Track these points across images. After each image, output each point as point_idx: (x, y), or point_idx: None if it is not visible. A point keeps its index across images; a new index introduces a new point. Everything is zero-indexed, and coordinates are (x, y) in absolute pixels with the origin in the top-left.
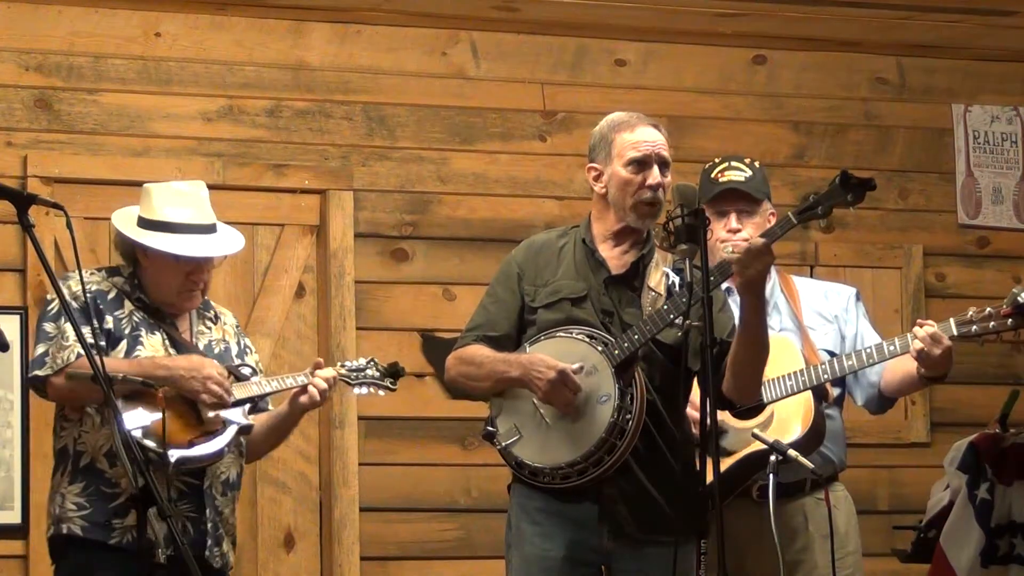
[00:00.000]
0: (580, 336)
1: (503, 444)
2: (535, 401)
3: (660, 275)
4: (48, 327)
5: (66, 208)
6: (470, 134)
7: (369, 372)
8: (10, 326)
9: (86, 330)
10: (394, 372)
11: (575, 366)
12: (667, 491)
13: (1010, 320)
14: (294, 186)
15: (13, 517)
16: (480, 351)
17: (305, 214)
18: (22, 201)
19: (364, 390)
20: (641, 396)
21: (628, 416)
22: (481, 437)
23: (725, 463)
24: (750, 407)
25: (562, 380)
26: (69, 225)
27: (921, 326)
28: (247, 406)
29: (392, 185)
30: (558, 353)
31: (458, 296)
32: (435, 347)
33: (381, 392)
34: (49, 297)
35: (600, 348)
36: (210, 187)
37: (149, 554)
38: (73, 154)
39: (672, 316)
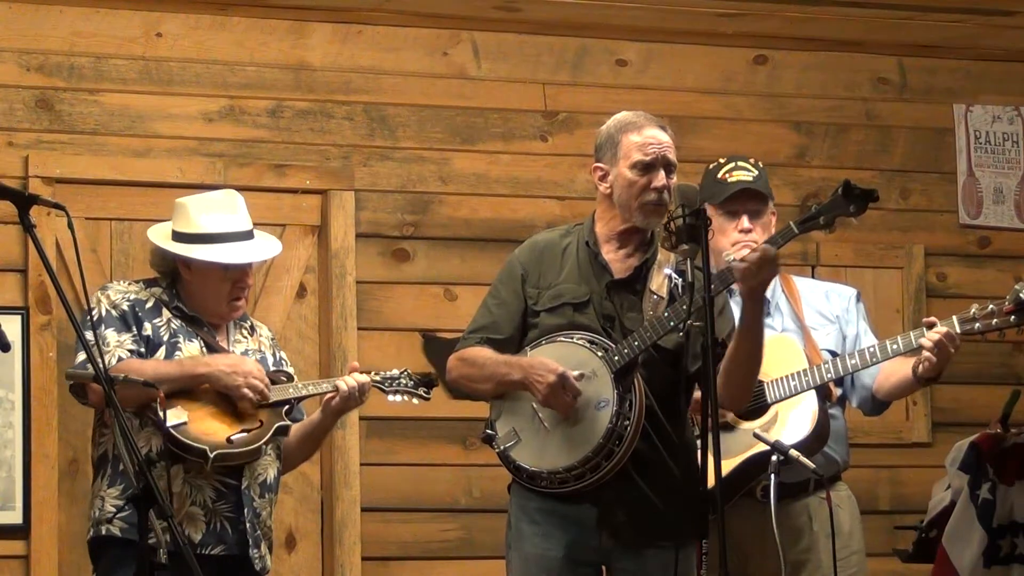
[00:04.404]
0: (581, 341)
1: (502, 447)
2: (534, 405)
3: (663, 278)
4: (89, 335)
5: (67, 208)
6: (471, 134)
7: (403, 381)
8: (11, 326)
9: (125, 336)
10: (428, 381)
11: (576, 373)
12: (667, 497)
13: (1012, 316)
14: (295, 186)
15: (15, 517)
16: (482, 353)
17: (306, 214)
18: (23, 201)
19: (398, 398)
20: (640, 402)
21: (626, 422)
22: (480, 440)
23: (729, 465)
24: (754, 408)
25: (562, 384)
26: (70, 225)
27: (930, 326)
28: (284, 408)
29: (393, 185)
30: (558, 357)
31: (459, 296)
32: (436, 347)
33: (415, 401)
34: (89, 306)
35: (600, 354)
36: (211, 188)
37: (151, 554)
38: (74, 154)
39: (672, 323)
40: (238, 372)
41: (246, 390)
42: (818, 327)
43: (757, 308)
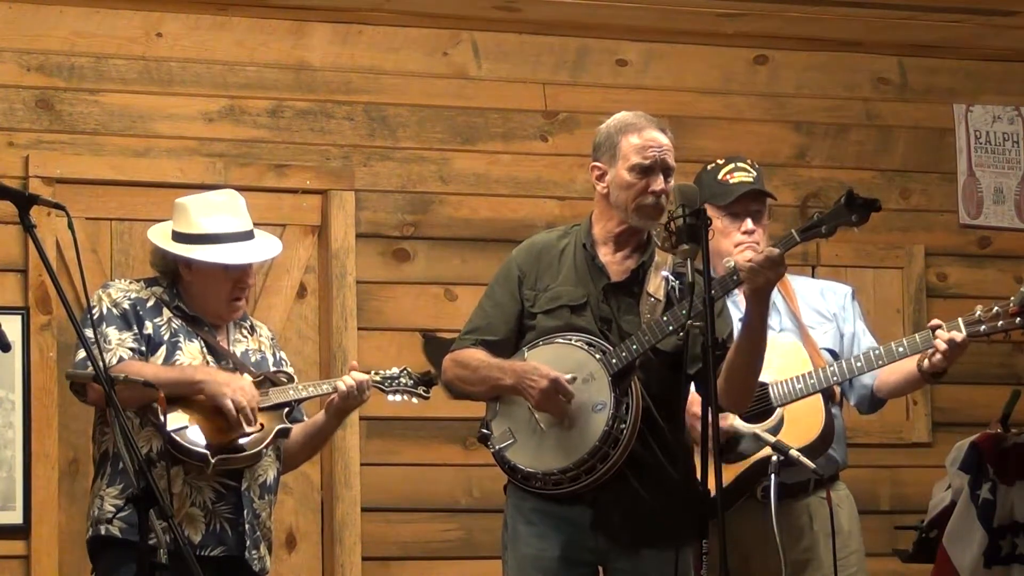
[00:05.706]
0: (579, 343)
1: (497, 447)
2: (530, 406)
3: (660, 280)
4: (89, 333)
5: (67, 208)
6: (471, 134)
7: (403, 380)
8: (12, 326)
9: (126, 335)
10: (427, 380)
11: (568, 376)
12: (663, 500)
13: (1018, 319)
14: (295, 186)
15: (15, 517)
16: (476, 355)
17: (306, 214)
18: (24, 201)
19: (398, 397)
20: (637, 405)
21: (623, 425)
22: (476, 439)
23: (738, 468)
24: (759, 410)
25: (555, 389)
26: (71, 225)
27: (934, 329)
28: (285, 410)
29: (393, 185)
30: (556, 359)
31: (459, 296)
32: (436, 347)
33: (415, 400)
34: (91, 304)
35: (598, 356)
36: (211, 188)
37: (151, 554)
38: (74, 154)
39: (671, 327)
40: (230, 386)
41: (228, 402)
42: (816, 326)
43: (762, 308)
